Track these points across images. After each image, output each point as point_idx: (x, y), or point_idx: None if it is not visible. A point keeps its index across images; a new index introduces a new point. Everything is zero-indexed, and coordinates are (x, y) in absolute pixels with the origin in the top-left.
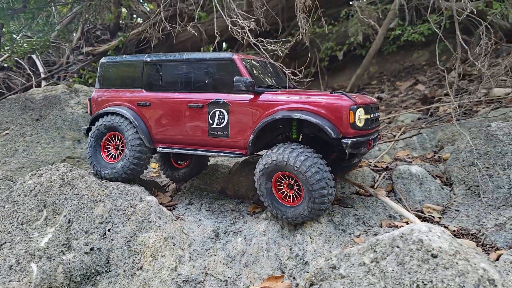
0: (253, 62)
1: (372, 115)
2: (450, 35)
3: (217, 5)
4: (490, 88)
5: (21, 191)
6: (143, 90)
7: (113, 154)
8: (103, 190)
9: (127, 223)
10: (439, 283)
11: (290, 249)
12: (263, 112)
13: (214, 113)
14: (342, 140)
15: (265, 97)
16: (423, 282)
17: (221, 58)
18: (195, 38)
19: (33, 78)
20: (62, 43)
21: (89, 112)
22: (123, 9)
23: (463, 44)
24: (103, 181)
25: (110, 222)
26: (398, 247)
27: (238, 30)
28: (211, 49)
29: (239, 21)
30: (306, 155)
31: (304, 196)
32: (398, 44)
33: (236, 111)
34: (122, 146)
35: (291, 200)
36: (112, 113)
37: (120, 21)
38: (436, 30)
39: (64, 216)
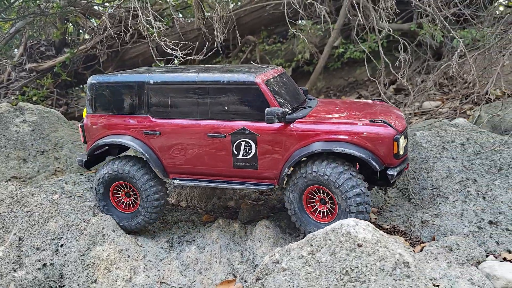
0: (274, 80)
1: (407, 138)
2: (388, 52)
3: (137, 5)
4: (423, 101)
5: None
6: (149, 116)
7: (126, 202)
8: (54, 207)
9: (80, 237)
10: (363, 268)
11: (241, 254)
12: (296, 143)
13: (240, 143)
14: (388, 172)
15: (297, 126)
16: (351, 268)
17: (242, 82)
18: (146, 54)
19: None
20: (3, 59)
21: (82, 141)
22: (70, 25)
23: (386, 59)
24: (54, 198)
25: (62, 237)
26: (330, 239)
27: (148, 31)
28: (163, 64)
29: (152, 21)
30: (335, 163)
31: (338, 209)
32: (342, 61)
33: (265, 141)
34: (135, 193)
35: (323, 216)
36: (116, 158)
37: (67, 37)
38: (365, 50)
39: (14, 234)
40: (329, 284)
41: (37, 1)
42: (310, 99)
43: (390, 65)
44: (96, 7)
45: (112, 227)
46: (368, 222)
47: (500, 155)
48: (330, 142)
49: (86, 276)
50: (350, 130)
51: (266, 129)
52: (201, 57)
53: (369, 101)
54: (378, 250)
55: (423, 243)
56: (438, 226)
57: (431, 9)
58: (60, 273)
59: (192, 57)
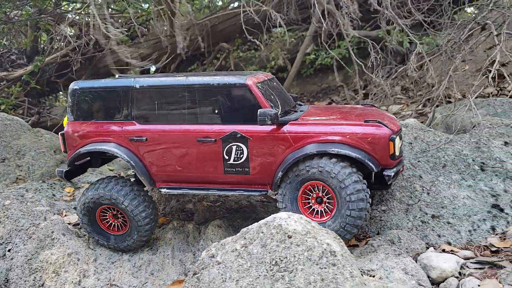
0: (265, 83)
1: (402, 139)
2: (358, 59)
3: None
4: (389, 105)
5: None
6: (134, 122)
7: (115, 224)
8: (4, 212)
9: (28, 241)
10: (292, 258)
11: (194, 254)
12: (290, 145)
13: (231, 147)
14: (385, 173)
15: (290, 128)
16: (280, 258)
17: (233, 84)
18: (120, 62)
19: None
20: None
21: (62, 150)
22: (43, 33)
23: (358, 62)
24: (5, 204)
25: (10, 242)
26: (262, 232)
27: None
28: (138, 73)
29: (106, 24)
30: (344, 164)
31: (336, 210)
32: (315, 67)
33: (257, 145)
34: (123, 216)
35: (318, 215)
36: (102, 181)
37: (39, 45)
38: (336, 57)
39: None
40: (259, 275)
41: (3, 9)
42: (301, 105)
43: (363, 67)
44: (69, 15)
45: (63, 231)
46: (301, 215)
47: (445, 153)
48: (324, 143)
49: (33, 280)
50: (344, 131)
51: (258, 132)
52: (161, 64)
53: (360, 106)
54: (306, 241)
55: (369, 237)
56: (384, 221)
57: (389, 12)
58: (6, 278)
59: (147, 64)
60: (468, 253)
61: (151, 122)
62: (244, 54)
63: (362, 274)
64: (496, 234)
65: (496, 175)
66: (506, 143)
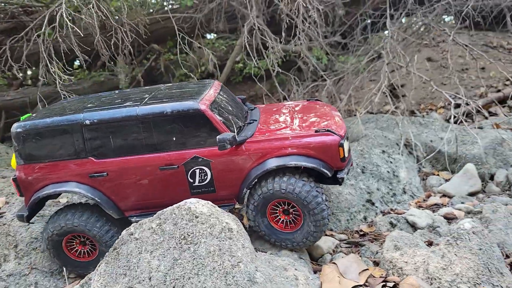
0: (217, 99)
1: (349, 139)
2: (286, 71)
3: None
4: None
5: None
6: (91, 158)
7: (83, 251)
8: None
9: None
10: (197, 233)
11: None
12: (251, 162)
13: (194, 171)
14: (338, 176)
15: (249, 146)
16: (187, 233)
17: (186, 111)
18: (38, 55)
19: None
20: None
21: (18, 195)
22: None
23: (280, 82)
24: None
25: None
26: (175, 213)
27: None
28: (61, 69)
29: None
30: (303, 180)
31: (303, 219)
32: (244, 75)
33: (219, 165)
34: (90, 241)
35: (285, 225)
36: (65, 212)
37: None
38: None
39: None
40: (170, 247)
41: None
42: (251, 109)
43: (285, 82)
44: None
45: None
46: (208, 202)
47: None
48: (283, 157)
49: None
50: (298, 143)
51: (218, 154)
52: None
53: (305, 101)
54: (210, 220)
55: None
56: None
57: (304, 34)
58: None
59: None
60: (343, 236)
61: (108, 156)
62: (175, 57)
63: (256, 251)
64: (367, 223)
65: (373, 176)
66: (383, 151)
